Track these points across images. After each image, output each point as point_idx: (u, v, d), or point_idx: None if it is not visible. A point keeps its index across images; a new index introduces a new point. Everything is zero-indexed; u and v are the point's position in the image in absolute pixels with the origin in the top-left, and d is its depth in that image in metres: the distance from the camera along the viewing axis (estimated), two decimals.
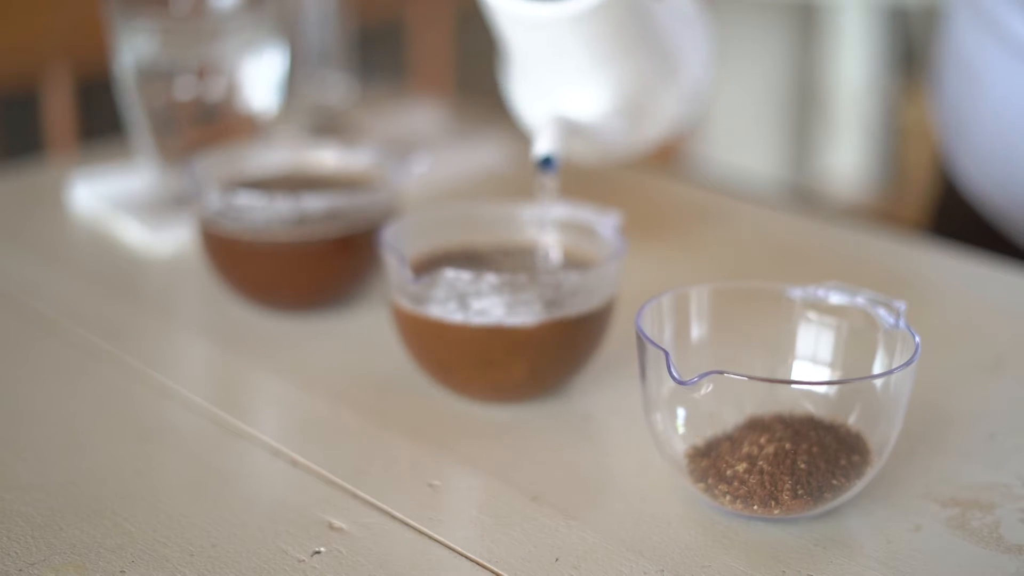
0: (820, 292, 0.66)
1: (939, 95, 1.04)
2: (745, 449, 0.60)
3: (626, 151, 0.85)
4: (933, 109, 1.06)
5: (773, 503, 0.59)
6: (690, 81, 0.84)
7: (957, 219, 1.05)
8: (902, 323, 0.63)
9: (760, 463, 0.59)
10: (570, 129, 0.77)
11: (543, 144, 0.74)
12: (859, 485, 0.60)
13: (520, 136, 1.12)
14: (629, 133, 0.82)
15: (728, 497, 0.60)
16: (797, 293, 0.66)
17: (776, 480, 0.59)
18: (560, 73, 0.77)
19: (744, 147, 2.55)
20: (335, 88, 1.11)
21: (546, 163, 0.73)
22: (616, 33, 0.75)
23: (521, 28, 0.75)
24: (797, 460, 0.59)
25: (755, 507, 0.59)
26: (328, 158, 0.86)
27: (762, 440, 0.60)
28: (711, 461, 0.60)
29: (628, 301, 0.75)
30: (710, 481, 0.60)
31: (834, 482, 0.59)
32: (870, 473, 0.60)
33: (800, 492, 0.59)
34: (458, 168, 1.04)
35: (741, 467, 0.59)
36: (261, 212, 0.77)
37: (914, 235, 1.02)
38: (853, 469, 0.60)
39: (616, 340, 0.74)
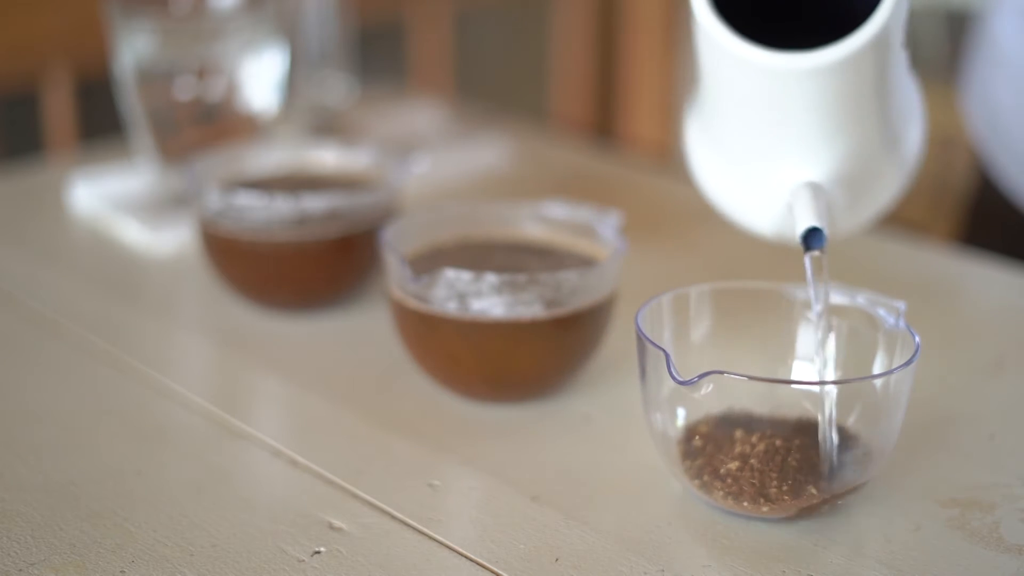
0: None
1: (976, 95, 1.04)
2: (738, 448, 0.60)
3: (840, 233, 0.70)
4: (969, 109, 1.06)
5: (762, 500, 0.59)
6: (910, 150, 0.69)
7: (995, 219, 1.04)
8: (902, 323, 0.63)
9: (751, 460, 0.59)
10: (828, 199, 0.63)
11: (806, 215, 0.61)
12: (859, 485, 0.60)
13: (519, 136, 1.12)
14: (847, 211, 0.67)
15: (720, 494, 0.60)
16: (797, 293, 0.66)
17: (764, 477, 0.59)
18: (778, 133, 0.63)
19: None
20: (335, 88, 1.11)
21: (813, 236, 0.61)
22: (862, 85, 0.61)
23: (745, 76, 0.61)
24: (788, 458, 0.59)
25: (745, 504, 0.59)
26: (328, 158, 0.86)
27: (753, 439, 0.60)
28: (706, 459, 0.60)
29: (628, 301, 0.75)
30: (705, 479, 0.60)
31: (834, 482, 0.59)
32: (870, 473, 0.60)
33: (786, 489, 0.59)
34: (458, 168, 1.04)
35: (734, 465, 0.59)
36: (261, 212, 0.77)
37: (916, 235, 1.01)
38: (852, 469, 0.60)
39: (616, 340, 0.74)
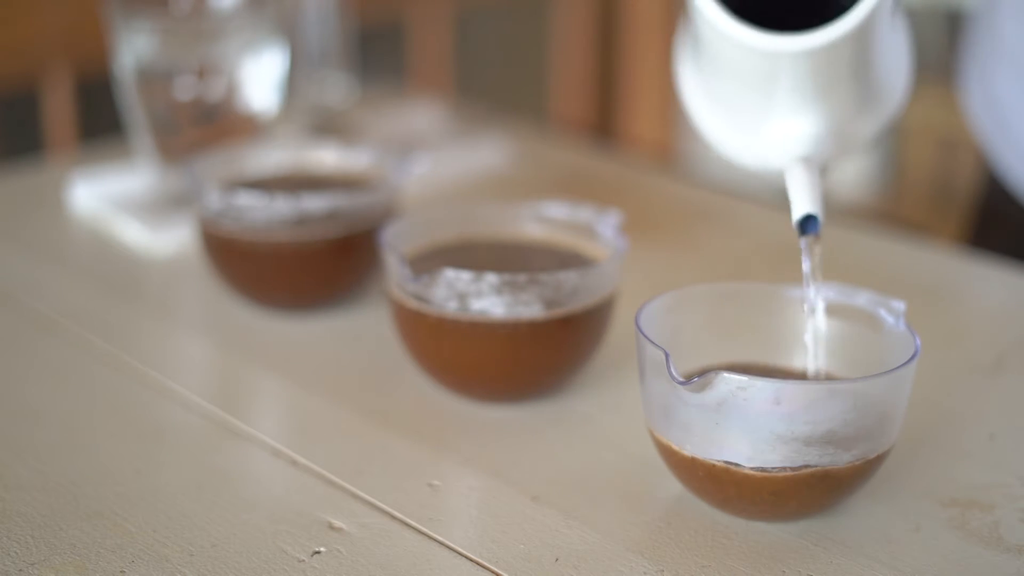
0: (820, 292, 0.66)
1: (980, 91, 1.03)
2: None
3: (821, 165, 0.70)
4: (971, 105, 1.05)
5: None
6: (896, 96, 0.69)
7: (1003, 219, 1.04)
8: (902, 323, 0.63)
9: None
10: (820, 172, 0.64)
11: (802, 201, 0.63)
12: (859, 485, 0.60)
13: (519, 136, 1.12)
14: (831, 152, 0.68)
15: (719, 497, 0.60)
16: (797, 293, 0.66)
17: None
18: (766, 93, 0.64)
19: None
20: (335, 88, 1.11)
21: (808, 223, 0.63)
22: (847, 61, 0.62)
23: (738, 52, 0.62)
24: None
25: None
26: (328, 158, 0.86)
27: None
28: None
29: (628, 301, 0.75)
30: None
31: (832, 481, 0.59)
32: (870, 473, 0.60)
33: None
34: (458, 168, 1.04)
35: None
36: (261, 212, 0.77)
37: (917, 237, 1.02)
38: (853, 469, 0.59)
39: (616, 340, 0.74)
